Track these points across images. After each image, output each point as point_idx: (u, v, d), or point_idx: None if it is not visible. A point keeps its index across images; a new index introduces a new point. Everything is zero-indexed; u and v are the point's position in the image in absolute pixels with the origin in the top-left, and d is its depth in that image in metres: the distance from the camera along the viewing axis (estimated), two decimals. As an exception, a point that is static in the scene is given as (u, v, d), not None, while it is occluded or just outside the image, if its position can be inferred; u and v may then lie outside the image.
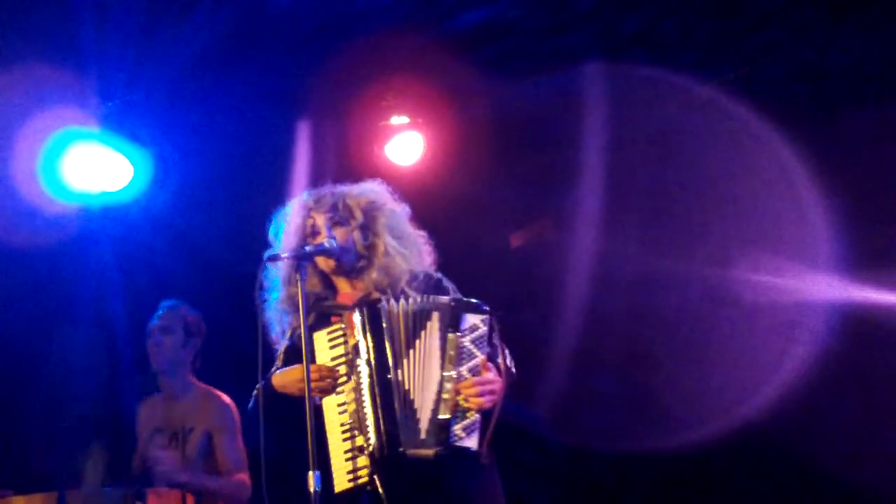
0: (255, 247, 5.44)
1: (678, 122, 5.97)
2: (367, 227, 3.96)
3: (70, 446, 6.38)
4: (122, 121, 5.64)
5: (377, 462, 3.60)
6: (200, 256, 6.38)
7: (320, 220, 3.94)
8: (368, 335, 3.69)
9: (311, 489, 3.50)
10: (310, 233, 3.96)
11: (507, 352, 3.75)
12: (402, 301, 3.72)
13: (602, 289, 6.22)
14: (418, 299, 3.74)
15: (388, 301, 3.73)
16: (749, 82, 5.67)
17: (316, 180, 5.99)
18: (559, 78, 5.61)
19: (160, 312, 5.41)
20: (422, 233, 4.07)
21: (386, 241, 3.93)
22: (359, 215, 3.95)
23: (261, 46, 5.40)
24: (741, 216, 6.09)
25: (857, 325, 5.83)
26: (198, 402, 5.27)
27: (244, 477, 5.14)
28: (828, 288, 5.83)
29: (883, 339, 5.86)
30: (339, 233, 3.93)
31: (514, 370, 3.77)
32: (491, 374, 3.62)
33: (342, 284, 4.00)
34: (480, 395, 3.57)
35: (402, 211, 4.06)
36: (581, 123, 5.88)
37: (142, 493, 4.57)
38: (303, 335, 3.58)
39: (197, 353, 5.40)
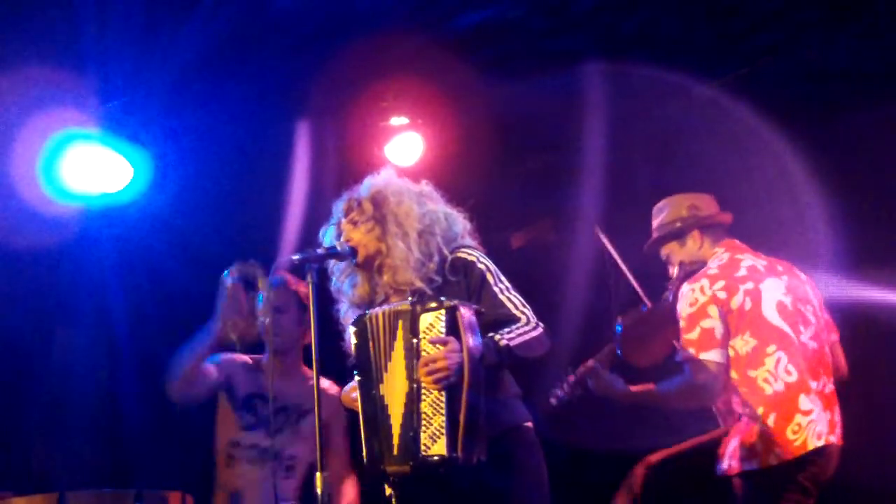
0: (255, 248, 5.46)
1: (678, 122, 5.98)
2: (379, 222, 3.85)
3: (70, 447, 6.38)
4: (121, 122, 5.63)
5: (374, 477, 3.64)
6: (200, 257, 6.37)
7: (344, 224, 3.91)
8: (357, 350, 3.69)
9: (318, 490, 3.53)
10: (338, 238, 3.93)
11: (476, 337, 3.53)
12: (381, 310, 3.65)
13: (602, 289, 6.23)
14: (388, 309, 3.64)
15: (373, 311, 3.68)
16: (749, 83, 5.68)
17: (316, 181, 6.05)
18: (559, 79, 5.61)
19: (271, 290, 4.86)
20: (445, 209, 3.93)
21: (391, 234, 3.81)
22: (369, 210, 3.86)
23: (260, 48, 5.40)
24: (741, 215, 6.10)
25: (857, 324, 5.85)
26: (312, 389, 4.99)
27: (353, 472, 4.99)
28: (828, 287, 5.85)
29: (883, 338, 5.88)
30: (357, 233, 3.86)
31: (487, 352, 3.55)
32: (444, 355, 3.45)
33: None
34: (429, 374, 3.45)
35: (411, 194, 3.91)
36: (581, 124, 5.89)
37: (141, 494, 4.56)
38: (312, 339, 3.58)
39: (309, 325, 4.86)
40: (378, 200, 3.87)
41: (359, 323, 3.69)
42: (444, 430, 3.44)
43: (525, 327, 3.67)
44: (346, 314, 3.94)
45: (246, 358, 5.06)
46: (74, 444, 6.40)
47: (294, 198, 6.04)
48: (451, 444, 3.43)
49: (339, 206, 3.96)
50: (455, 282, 3.78)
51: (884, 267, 5.77)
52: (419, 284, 3.78)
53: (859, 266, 5.82)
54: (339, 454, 4.96)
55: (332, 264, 3.96)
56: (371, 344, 3.65)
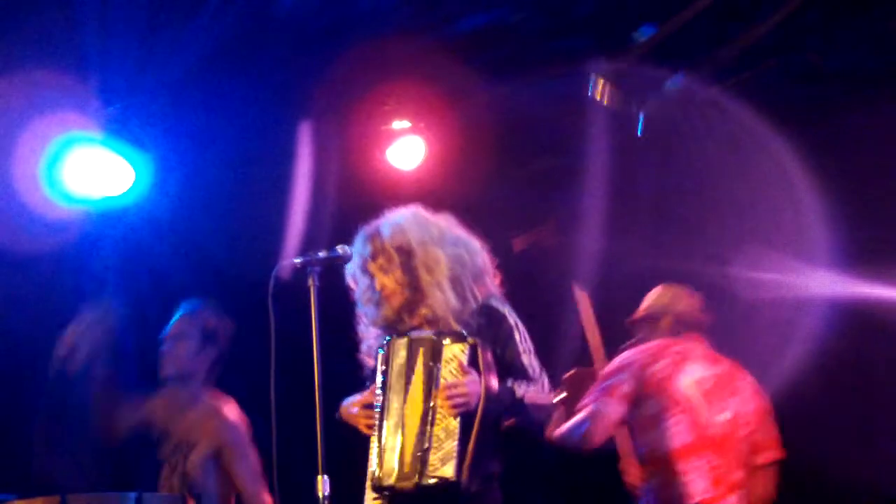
0: (257, 251, 5.47)
1: (679, 124, 5.98)
2: (406, 267, 3.94)
3: (72, 450, 6.37)
4: (123, 125, 5.64)
5: (376, 491, 3.75)
6: (203, 261, 6.38)
7: (373, 268, 3.99)
8: (381, 372, 3.82)
9: (320, 494, 3.60)
10: (368, 288, 4.02)
11: (494, 376, 3.73)
12: (408, 336, 3.80)
13: (603, 290, 6.23)
14: (416, 335, 3.80)
15: (398, 337, 3.83)
16: (749, 84, 5.68)
17: (318, 185, 6.05)
18: (561, 82, 5.62)
19: (176, 316, 5.13)
20: (466, 241, 4.02)
21: (425, 282, 3.91)
22: (396, 259, 3.95)
23: (262, 51, 5.40)
24: (741, 215, 6.11)
25: (856, 321, 5.86)
26: (204, 417, 4.96)
27: (265, 497, 4.93)
28: (827, 284, 5.86)
29: (883, 335, 5.89)
30: (389, 281, 3.95)
31: (503, 394, 3.74)
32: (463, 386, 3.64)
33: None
34: (449, 398, 3.62)
35: (435, 237, 3.98)
36: (583, 127, 5.89)
37: (143, 497, 4.56)
38: (314, 343, 3.60)
39: (214, 362, 5.09)
40: (405, 249, 3.95)
41: (387, 346, 3.84)
42: (454, 455, 3.59)
43: (541, 392, 3.83)
44: (367, 331, 4.07)
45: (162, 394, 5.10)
46: (76, 447, 6.39)
47: (296, 201, 6.05)
48: (459, 469, 3.59)
49: (363, 246, 4.03)
50: (486, 326, 3.90)
51: (882, 265, 5.79)
52: (456, 328, 3.88)
53: (857, 264, 5.84)
54: (245, 482, 4.89)
55: (360, 300, 4.05)
56: (395, 365, 3.79)
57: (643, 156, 6.24)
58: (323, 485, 3.61)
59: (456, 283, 3.92)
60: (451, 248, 3.96)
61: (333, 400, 4.13)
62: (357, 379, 4.13)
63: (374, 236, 4.00)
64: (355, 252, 4.01)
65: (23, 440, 6.27)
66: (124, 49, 5.16)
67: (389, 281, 3.95)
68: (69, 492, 4.50)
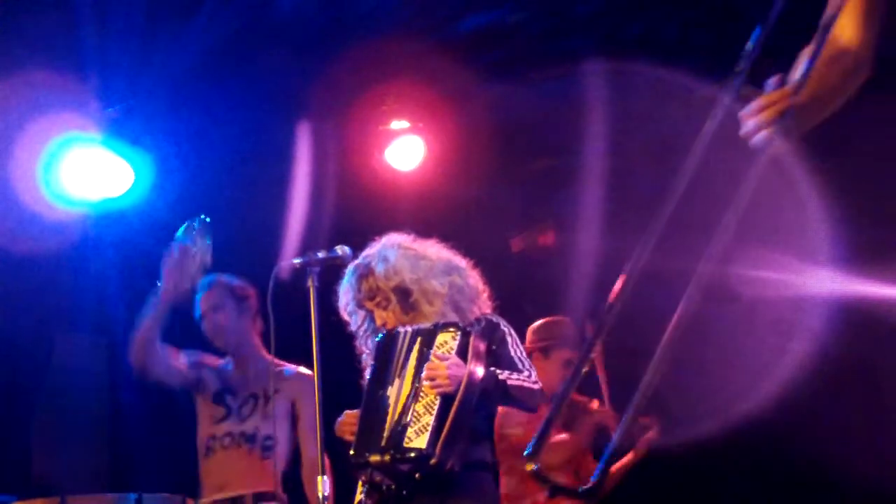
0: (257, 252, 5.46)
1: (679, 124, 5.97)
2: (405, 303, 3.99)
3: (71, 451, 6.38)
4: (123, 126, 5.63)
5: (357, 468, 3.76)
6: (201, 262, 6.36)
7: (370, 306, 4.03)
8: (377, 356, 3.90)
9: (319, 494, 3.61)
10: (365, 321, 4.09)
11: (480, 363, 3.78)
12: (409, 328, 3.90)
13: (603, 290, 6.22)
14: (415, 327, 3.89)
15: (402, 328, 3.92)
16: (749, 84, 5.67)
17: (317, 185, 6.05)
18: (560, 82, 5.61)
19: (202, 293, 5.03)
20: (459, 264, 4.07)
21: (427, 310, 3.97)
22: (393, 297, 3.99)
23: (261, 51, 5.40)
24: (741, 215, 6.09)
25: (857, 320, 5.85)
26: (275, 370, 4.79)
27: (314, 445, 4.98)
28: (828, 283, 5.86)
29: (884, 334, 5.88)
30: (390, 315, 4.00)
31: (486, 378, 3.78)
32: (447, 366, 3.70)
33: None
34: (430, 378, 3.68)
35: (427, 268, 4.01)
36: (582, 127, 5.88)
37: (142, 497, 4.56)
38: (314, 343, 3.62)
39: (255, 314, 5.06)
40: (401, 288, 3.99)
41: (386, 336, 3.93)
42: (429, 428, 3.63)
43: (526, 378, 3.87)
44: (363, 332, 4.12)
45: (215, 359, 5.09)
46: (75, 448, 6.40)
47: (295, 202, 6.05)
48: (432, 442, 3.62)
49: (356, 285, 4.05)
50: (482, 331, 3.96)
51: (882, 265, 5.78)
52: None
53: (859, 263, 5.83)
54: (309, 432, 4.85)
55: (359, 334, 4.10)
56: (391, 353, 3.87)
57: (643, 156, 6.24)
58: (323, 485, 3.64)
59: (457, 307, 3.99)
60: (445, 278, 4.01)
61: (333, 400, 4.15)
62: (356, 379, 4.14)
63: (367, 276, 4.03)
64: (349, 287, 4.07)
65: (23, 440, 6.27)
66: (123, 49, 5.16)
67: (390, 315, 4.01)
68: (69, 492, 4.50)
